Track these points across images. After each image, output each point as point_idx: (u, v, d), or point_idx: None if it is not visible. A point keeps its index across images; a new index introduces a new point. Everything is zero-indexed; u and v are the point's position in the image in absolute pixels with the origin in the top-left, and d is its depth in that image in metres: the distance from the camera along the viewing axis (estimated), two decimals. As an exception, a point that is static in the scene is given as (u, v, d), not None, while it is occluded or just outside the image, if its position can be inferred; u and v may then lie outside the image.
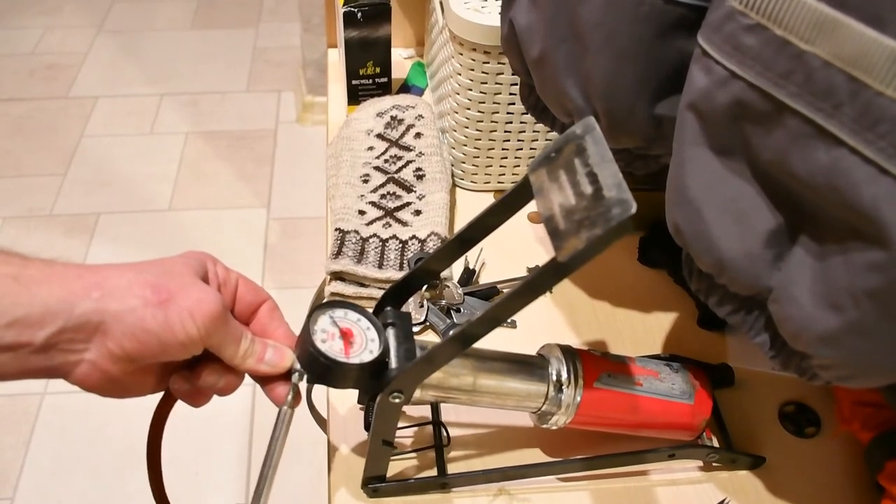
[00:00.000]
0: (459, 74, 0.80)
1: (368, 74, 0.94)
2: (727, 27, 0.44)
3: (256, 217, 2.11)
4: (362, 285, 0.73)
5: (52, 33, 2.76)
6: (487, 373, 0.55)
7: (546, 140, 0.85)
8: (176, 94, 2.50)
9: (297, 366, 0.52)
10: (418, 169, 0.83)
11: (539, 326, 0.73)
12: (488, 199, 0.88)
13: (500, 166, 0.87)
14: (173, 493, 0.56)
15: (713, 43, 0.45)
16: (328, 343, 0.51)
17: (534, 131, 0.84)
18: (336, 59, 1.07)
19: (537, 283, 0.45)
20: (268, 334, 0.53)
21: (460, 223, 0.84)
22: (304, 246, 2.03)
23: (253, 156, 2.29)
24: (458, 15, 0.76)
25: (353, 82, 0.95)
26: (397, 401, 0.52)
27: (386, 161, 0.84)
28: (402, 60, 1.06)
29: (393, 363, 0.52)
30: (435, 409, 0.65)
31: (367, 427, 0.62)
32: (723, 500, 0.61)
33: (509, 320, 0.73)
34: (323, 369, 0.51)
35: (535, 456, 0.63)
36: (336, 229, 0.77)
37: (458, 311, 0.73)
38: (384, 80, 0.95)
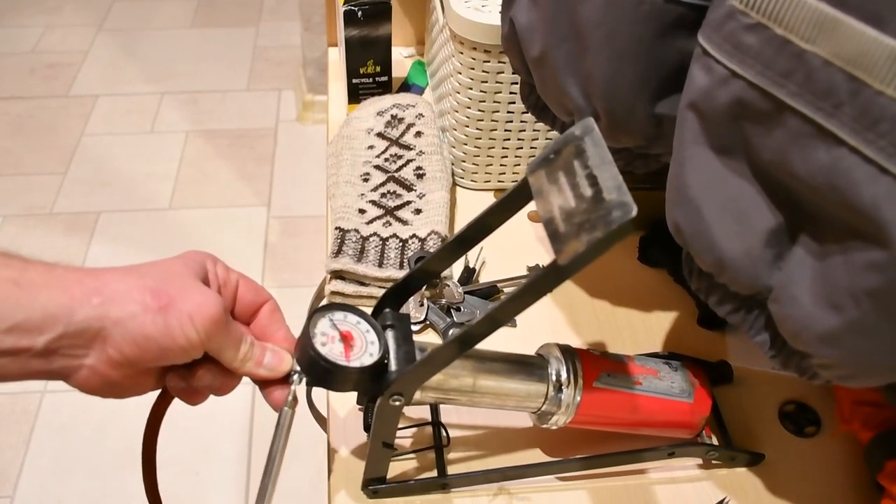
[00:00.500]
0: (460, 73, 0.80)
1: (369, 73, 0.94)
2: (727, 26, 0.44)
3: (257, 216, 2.11)
4: (362, 284, 0.73)
5: (52, 32, 2.76)
6: (487, 374, 0.55)
7: (546, 139, 0.85)
8: (176, 93, 2.50)
9: (297, 368, 0.52)
10: (418, 168, 0.83)
11: (539, 326, 0.73)
12: (488, 198, 0.88)
13: (501, 165, 0.87)
14: (173, 493, 0.56)
15: (713, 42, 0.45)
16: (328, 346, 0.51)
17: (534, 130, 0.84)
18: (336, 58, 1.07)
19: (538, 285, 0.45)
20: (268, 336, 0.53)
21: (460, 222, 0.84)
22: (305, 245, 2.03)
23: (253, 155, 2.29)
24: (458, 14, 0.76)
25: (354, 81, 0.95)
26: (397, 403, 0.52)
27: (386, 160, 0.84)
28: (402, 59, 1.06)
29: (393, 366, 0.52)
30: (434, 409, 0.65)
31: (366, 428, 0.61)
32: (722, 500, 0.61)
33: (509, 319, 0.73)
34: (323, 373, 0.50)
35: (534, 456, 0.63)
36: (336, 228, 0.77)
37: (458, 309, 0.73)
38: (384, 78, 0.95)
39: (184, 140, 2.33)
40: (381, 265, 0.73)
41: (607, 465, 0.62)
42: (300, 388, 0.52)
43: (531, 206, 0.49)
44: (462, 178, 0.88)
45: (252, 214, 2.11)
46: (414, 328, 0.71)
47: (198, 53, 2.68)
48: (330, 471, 0.61)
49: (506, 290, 0.77)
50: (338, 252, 0.74)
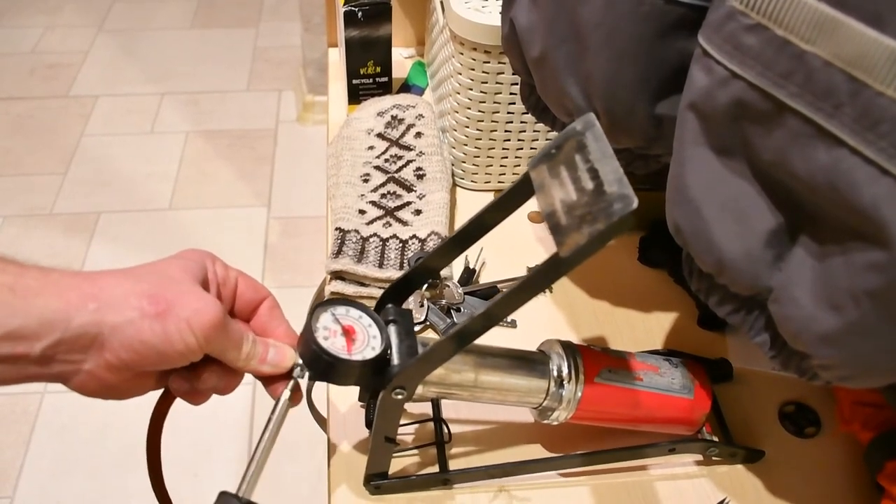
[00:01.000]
0: (460, 74, 0.80)
1: (369, 74, 0.94)
2: (728, 27, 0.44)
3: (257, 216, 2.11)
4: (362, 285, 0.73)
5: (52, 32, 2.76)
6: (489, 369, 0.55)
7: (546, 139, 0.85)
8: (176, 94, 2.50)
9: (299, 362, 0.52)
10: (419, 168, 0.83)
11: (539, 325, 0.73)
12: (489, 199, 0.87)
13: (501, 166, 0.87)
14: (173, 493, 0.56)
15: (714, 43, 0.45)
16: (330, 340, 0.51)
17: (534, 131, 0.84)
18: (336, 59, 1.07)
19: (539, 278, 0.45)
20: (268, 333, 0.53)
21: (460, 222, 0.83)
22: (305, 245, 2.03)
23: (253, 155, 2.30)
24: (458, 14, 0.76)
25: (354, 82, 0.95)
26: (400, 397, 0.52)
27: (386, 160, 0.84)
28: (402, 60, 1.06)
29: (395, 360, 0.53)
30: (436, 406, 0.65)
31: (368, 425, 0.62)
32: (723, 500, 0.61)
33: (509, 320, 0.73)
34: (325, 366, 0.51)
35: (535, 451, 0.63)
36: (336, 228, 0.77)
37: (458, 310, 0.73)
38: (385, 79, 0.95)
39: (184, 140, 2.33)
40: (381, 266, 0.73)
41: (608, 461, 0.62)
42: (301, 382, 0.53)
43: (531, 207, 0.49)
44: (462, 178, 0.88)
45: (252, 215, 2.11)
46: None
47: (198, 54, 2.68)
48: (330, 466, 0.61)
49: (506, 290, 0.77)
50: (338, 253, 0.74)
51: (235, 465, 1.56)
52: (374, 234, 0.77)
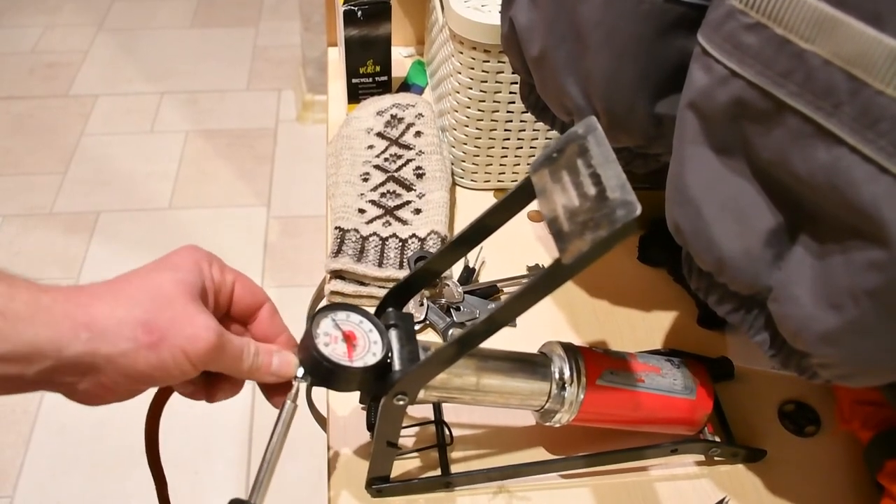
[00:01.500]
0: (459, 73, 0.80)
1: (368, 73, 0.94)
2: (727, 26, 0.44)
3: (256, 215, 2.11)
4: (362, 284, 0.73)
5: (52, 32, 2.76)
6: (490, 372, 0.55)
7: (546, 138, 0.85)
8: (176, 93, 2.50)
9: (300, 370, 0.52)
10: (418, 167, 0.83)
11: (539, 325, 0.73)
12: (488, 198, 0.88)
13: (500, 165, 0.87)
14: (172, 492, 0.56)
15: (713, 41, 0.45)
16: (331, 346, 0.51)
17: (534, 130, 0.84)
18: (336, 58, 1.07)
19: (541, 284, 0.45)
20: (269, 340, 0.53)
21: (460, 222, 0.84)
22: (304, 244, 2.03)
23: (253, 154, 2.29)
24: (458, 13, 0.76)
25: (354, 81, 0.95)
26: (402, 403, 0.52)
27: (386, 159, 0.84)
28: (402, 59, 1.06)
29: (396, 365, 0.52)
30: (437, 408, 0.65)
31: (369, 428, 0.61)
32: (722, 500, 0.61)
33: (509, 319, 0.73)
34: (326, 373, 0.50)
35: (537, 454, 0.63)
36: (336, 228, 0.77)
37: (457, 309, 0.73)
38: (384, 78, 0.95)
39: (183, 140, 2.33)
40: (380, 265, 0.73)
41: (610, 462, 0.62)
42: (302, 387, 0.52)
43: (531, 206, 0.49)
44: (462, 177, 0.88)
45: (252, 214, 2.11)
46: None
47: (198, 53, 2.68)
48: (330, 470, 0.61)
49: (506, 289, 0.77)
50: (337, 252, 0.74)
51: (235, 466, 1.56)
52: (374, 234, 0.77)
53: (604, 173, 0.42)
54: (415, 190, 0.81)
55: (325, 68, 1.10)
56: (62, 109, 2.42)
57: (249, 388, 0.53)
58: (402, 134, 0.87)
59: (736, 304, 0.52)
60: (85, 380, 0.44)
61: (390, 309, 0.56)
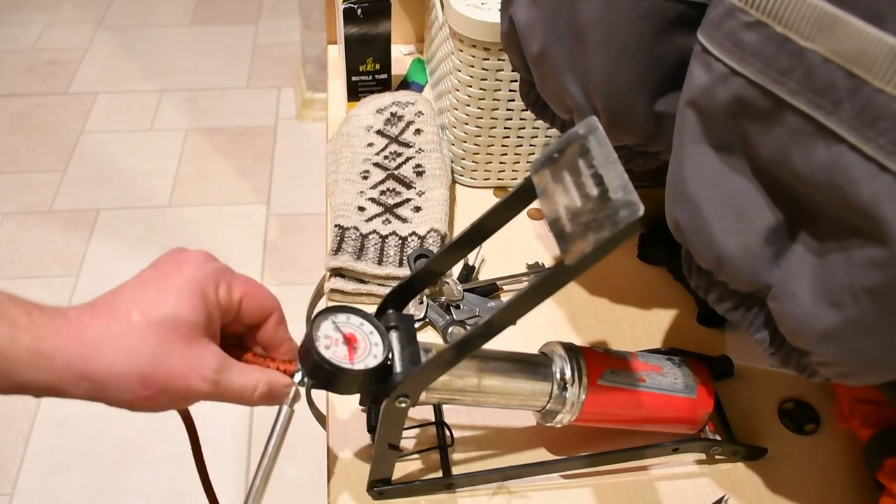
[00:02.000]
0: (459, 71, 0.80)
1: (368, 71, 0.94)
2: (727, 24, 0.44)
3: (256, 213, 2.11)
4: (362, 282, 0.73)
5: (51, 29, 2.75)
6: (492, 373, 0.55)
7: (546, 136, 0.85)
8: (176, 91, 2.50)
9: (299, 373, 0.51)
10: (418, 165, 0.83)
11: (538, 323, 0.72)
12: (488, 196, 0.88)
13: (500, 163, 0.87)
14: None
15: (713, 40, 0.45)
16: (332, 349, 0.50)
17: (533, 128, 0.84)
18: (336, 56, 1.07)
19: (544, 286, 0.45)
20: (272, 349, 0.53)
21: (460, 219, 0.84)
22: (304, 242, 2.03)
23: (253, 152, 2.29)
24: (457, 11, 0.76)
25: (353, 79, 0.95)
26: (403, 405, 0.52)
27: (386, 157, 0.84)
28: (401, 57, 1.06)
29: (398, 367, 0.52)
30: (437, 409, 0.65)
31: (370, 430, 0.61)
32: (722, 498, 0.61)
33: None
34: (327, 376, 0.50)
35: (539, 454, 0.63)
36: (336, 226, 0.77)
37: (457, 307, 0.73)
38: (384, 76, 0.95)
39: (183, 137, 2.33)
40: (380, 262, 0.73)
41: (612, 462, 0.62)
42: (301, 389, 0.52)
43: (532, 205, 0.49)
44: (461, 175, 0.88)
45: (251, 212, 2.11)
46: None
47: (197, 51, 2.68)
48: (330, 473, 0.61)
49: (505, 287, 0.77)
50: (337, 249, 0.74)
51: (234, 465, 1.56)
52: (374, 231, 0.77)
53: (606, 174, 0.41)
54: (414, 188, 0.81)
55: (325, 66, 1.10)
56: (62, 107, 2.42)
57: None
58: (402, 132, 0.87)
59: (735, 302, 0.52)
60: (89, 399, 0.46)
61: (391, 310, 0.56)
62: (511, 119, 0.83)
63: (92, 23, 2.79)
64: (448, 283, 0.73)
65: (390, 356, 0.52)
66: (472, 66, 0.79)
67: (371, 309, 0.55)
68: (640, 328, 0.74)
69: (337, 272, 0.73)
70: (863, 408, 0.63)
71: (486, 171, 0.87)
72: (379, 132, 0.87)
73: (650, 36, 0.52)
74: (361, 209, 0.79)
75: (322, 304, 0.76)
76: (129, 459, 1.56)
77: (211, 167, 2.24)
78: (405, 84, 1.01)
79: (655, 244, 0.79)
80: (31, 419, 1.63)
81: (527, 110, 0.74)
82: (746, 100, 0.44)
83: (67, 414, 1.63)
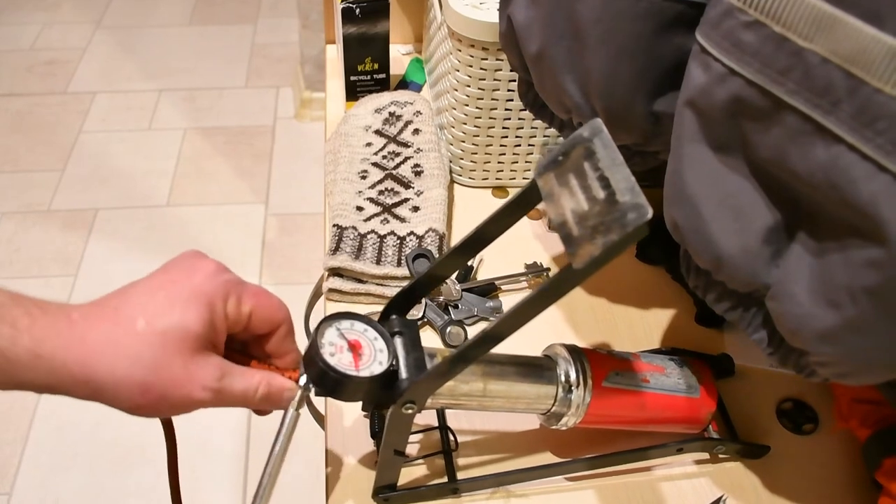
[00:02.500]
0: (458, 71, 0.80)
1: (367, 70, 0.94)
2: (726, 24, 0.44)
3: (254, 213, 2.11)
4: (360, 281, 0.73)
5: (50, 29, 2.75)
6: (496, 377, 0.55)
7: (545, 136, 0.85)
8: (174, 90, 2.50)
9: (304, 377, 0.51)
10: (416, 165, 0.83)
11: (537, 323, 0.71)
12: (486, 195, 0.88)
13: (499, 162, 0.87)
14: (169, 489, 0.56)
15: (712, 39, 0.45)
16: (337, 356, 0.50)
17: (532, 127, 0.84)
18: (334, 56, 1.07)
19: (553, 289, 0.44)
20: (276, 357, 0.52)
21: (458, 219, 0.83)
22: (302, 242, 2.03)
23: (251, 152, 2.29)
24: (456, 11, 0.76)
25: (352, 78, 0.95)
26: (410, 412, 0.51)
27: (384, 157, 0.84)
28: (400, 57, 1.06)
29: (403, 373, 0.52)
30: (441, 414, 0.64)
31: (373, 435, 0.61)
32: (720, 497, 0.61)
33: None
34: (333, 384, 0.50)
35: (543, 457, 0.63)
36: (334, 225, 0.76)
37: (455, 307, 0.72)
38: (382, 76, 0.95)
39: (181, 137, 2.33)
40: (378, 262, 0.73)
41: (616, 463, 0.62)
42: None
43: (532, 207, 0.49)
44: (460, 175, 0.88)
45: (250, 212, 2.11)
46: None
47: (196, 50, 2.68)
48: (331, 482, 0.60)
49: (503, 287, 0.77)
50: (335, 249, 0.74)
51: (233, 464, 1.56)
52: (372, 231, 0.77)
53: (612, 176, 0.41)
54: (413, 187, 0.81)
55: (324, 66, 1.10)
56: (60, 106, 2.42)
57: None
58: (401, 131, 0.87)
59: (734, 301, 0.52)
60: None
61: (394, 316, 0.55)
62: (509, 119, 0.83)
63: (91, 22, 2.79)
64: (446, 283, 0.73)
65: (395, 362, 0.52)
66: (471, 66, 0.79)
67: (370, 308, 0.55)
68: (638, 328, 0.74)
69: (335, 272, 0.73)
70: (861, 408, 0.64)
71: (484, 170, 0.87)
72: (377, 132, 0.87)
73: (649, 36, 0.52)
74: (360, 209, 0.79)
75: (320, 304, 0.76)
76: (129, 459, 1.56)
77: (209, 167, 2.24)
78: (403, 84, 1.01)
79: (654, 244, 0.79)
80: (29, 418, 1.63)
81: (525, 110, 0.74)
82: (745, 100, 0.44)
83: (66, 414, 1.63)
